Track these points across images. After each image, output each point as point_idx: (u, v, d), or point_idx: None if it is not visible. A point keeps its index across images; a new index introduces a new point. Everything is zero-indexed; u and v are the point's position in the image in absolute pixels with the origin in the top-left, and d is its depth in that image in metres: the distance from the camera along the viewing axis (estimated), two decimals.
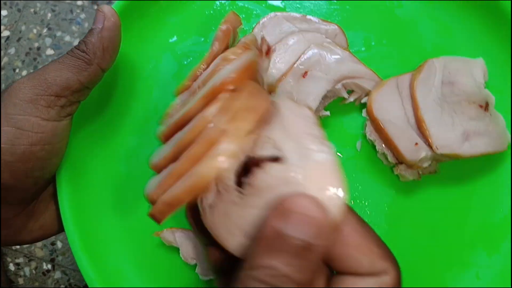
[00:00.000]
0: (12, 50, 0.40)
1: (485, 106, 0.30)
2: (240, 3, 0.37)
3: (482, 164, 0.30)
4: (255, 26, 0.35)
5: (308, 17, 0.34)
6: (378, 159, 0.31)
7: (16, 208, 0.30)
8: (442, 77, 0.30)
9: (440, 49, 0.33)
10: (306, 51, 0.32)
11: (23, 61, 0.40)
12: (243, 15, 0.36)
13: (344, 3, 0.35)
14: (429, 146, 0.29)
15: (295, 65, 0.31)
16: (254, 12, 0.36)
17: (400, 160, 0.30)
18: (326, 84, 0.31)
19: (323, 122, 0.33)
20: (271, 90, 0.32)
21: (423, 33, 0.34)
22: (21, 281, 0.47)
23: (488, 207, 0.30)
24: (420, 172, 0.30)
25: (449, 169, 0.31)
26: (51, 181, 0.32)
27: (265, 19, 0.35)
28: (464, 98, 0.30)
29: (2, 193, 0.28)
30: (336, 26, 0.34)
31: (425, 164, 0.29)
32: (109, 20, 0.30)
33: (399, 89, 0.31)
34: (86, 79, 0.29)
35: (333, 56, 0.31)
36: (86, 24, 0.40)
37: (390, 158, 0.30)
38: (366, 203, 0.31)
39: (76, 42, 0.40)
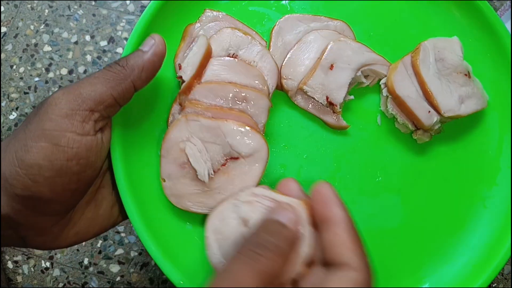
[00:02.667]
0: (9, 47, 0.39)
1: (468, 74, 0.38)
2: (251, 8, 0.40)
3: (472, 119, 0.39)
4: (272, 28, 0.39)
5: (317, 16, 0.39)
6: (396, 129, 0.38)
7: (54, 218, 0.31)
8: (434, 56, 0.38)
9: (422, 33, 0.41)
10: (327, 47, 0.37)
11: (20, 58, 0.39)
12: (255, 19, 0.40)
13: (343, 3, 0.40)
14: (438, 112, 0.36)
15: (321, 60, 0.36)
16: (266, 16, 0.40)
17: (418, 126, 0.37)
18: (351, 73, 0.37)
19: (347, 106, 0.38)
20: (302, 85, 0.36)
21: (408, 21, 0.41)
22: (19, 279, 0.46)
23: (480, 151, 0.38)
24: (432, 133, 0.38)
25: (450, 127, 0.39)
26: (87, 191, 0.33)
27: (281, 22, 0.39)
28: (453, 70, 0.38)
29: (42, 206, 0.29)
30: (343, 22, 0.39)
31: (436, 126, 0.37)
32: (157, 47, 0.32)
33: (406, 69, 0.37)
34: (119, 94, 0.30)
35: (351, 49, 0.37)
36: (84, 21, 0.39)
37: (410, 126, 0.37)
38: (393, 165, 0.38)
39: (74, 39, 0.39)
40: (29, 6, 0.40)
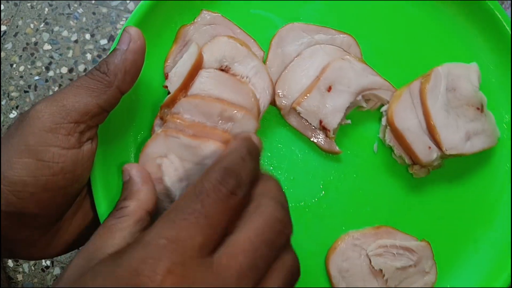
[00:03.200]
0: (9, 45, 0.39)
1: (481, 108, 0.35)
2: (253, 11, 0.37)
3: (478, 156, 0.36)
4: (273, 38, 0.36)
5: (324, 28, 0.36)
6: (393, 159, 0.36)
7: (41, 231, 0.31)
8: (446, 84, 0.34)
9: (438, 55, 0.37)
10: (328, 66, 0.34)
11: (20, 56, 0.39)
12: (256, 24, 0.37)
13: (355, 14, 0.37)
14: (439, 148, 0.34)
15: (319, 80, 0.34)
16: (269, 21, 0.37)
17: (415, 161, 0.34)
18: (349, 97, 0.34)
19: (343, 129, 0.36)
20: (295, 105, 0.34)
21: (425, 40, 0.37)
22: (20, 277, 0.47)
23: (481, 192, 0.36)
24: (430, 168, 0.35)
25: (452, 162, 0.36)
26: (74, 201, 0.33)
27: (282, 31, 0.36)
28: (465, 102, 0.35)
29: (27, 220, 0.29)
30: (350, 37, 0.36)
31: (435, 163, 0.34)
32: (135, 42, 0.29)
33: (412, 97, 0.34)
34: (105, 102, 0.29)
35: (353, 70, 0.34)
36: (84, 19, 0.39)
37: (407, 160, 0.34)
38: (384, 198, 0.36)
39: (74, 37, 0.39)
40: (29, 4, 0.39)
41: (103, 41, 0.39)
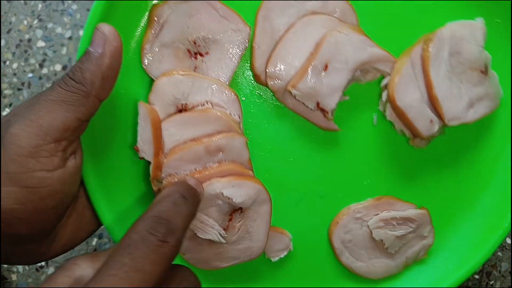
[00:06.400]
0: (2, 42, 0.37)
1: (485, 70, 0.33)
2: None
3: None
4: (258, 9, 0.32)
5: None
6: (393, 130, 0.34)
7: (36, 243, 0.30)
8: (450, 48, 0.32)
9: (441, 13, 0.34)
10: (323, 40, 0.31)
11: (13, 53, 0.37)
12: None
13: None
14: (441, 119, 0.32)
15: (314, 59, 0.31)
16: None
17: (416, 135, 0.33)
18: (347, 74, 0.31)
19: (341, 104, 0.34)
20: (290, 88, 0.31)
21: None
22: (14, 277, 0.48)
23: (481, 154, 0.36)
24: (430, 139, 0.34)
25: (452, 128, 0.35)
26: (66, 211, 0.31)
27: (269, 1, 0.32)
28: (468, 65, 0.32)
29: (20, 240, 0.28)
30: (344, 2, 0.32)
31: (437, 134, 0.33)
32: (110, 44, 0.26)
33: (413, 68, 0.32)
34: (84, 115, 0.27)
35: (350, 43, 0.31)
36: (78, 15, 0.36)
37: (408, 134, 0.33)
38: (384, 169, 0.35)
39: (68, 34, 0.37)
40: (22, 1, 0.37)
41: None
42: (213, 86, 0.31)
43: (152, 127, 0.29)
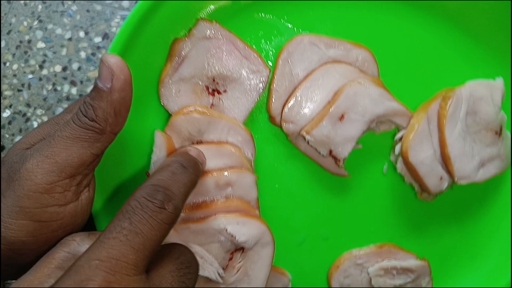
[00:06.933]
0: (2, 43, 0.37)
1: (499, 132, 0.33)
2: (257, 15, 0.32)
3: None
4: (279, 53, 0.32)
5: (337, 40, 0.32)
6: (401, 180, 0.35)
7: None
8: (467, 108, 0.32)
9: (463, 70, 0.33)
10: (341, 91, 0.31)
11: (13, 55, 0.37)
12: (262, 32, 0.32)
13: (372, 23, 0.32)
14: (451, 177, 0.32)
15: (332, 108, 0.31)
16: (275, 28, 0.32)
17: (424, 190, 0.33)
18: (363, 126, 0.31)
19: (353, 152, 0.34)
20: (304, 134, 0.31)
21: (449, 55, 0.33)
22: None
23: (485, 213, 0.36)
24: (438, 194, 0.34)
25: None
26: None
27: (290, 46, 0.32)
28: (484, 126, 0.32)
29: (29, 266, 0.27)
30: (366, 51, 0.32)
31: (445, 190, 0.33)
32: (118, 78, 0.25)
33: (429, 123, 0.32)
34: (100, 150, 0.27)
35: (369, 96, 0.31)
36: (78, 17, 0.36)
37: (417, 188, 0.33)
38: (389, 218, 0.35)
39: (68, 35, 0.37)
40: (22, 2, 0.37)
41: (97, 39, 0.37)
42: (227, 126, 0.31)
43: (167, 156, 0.29)
